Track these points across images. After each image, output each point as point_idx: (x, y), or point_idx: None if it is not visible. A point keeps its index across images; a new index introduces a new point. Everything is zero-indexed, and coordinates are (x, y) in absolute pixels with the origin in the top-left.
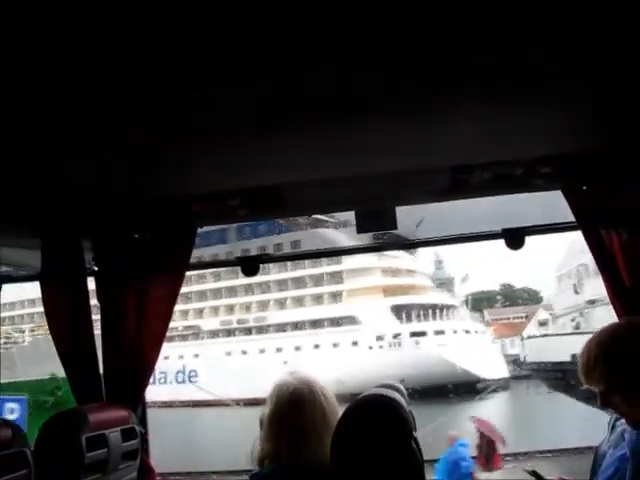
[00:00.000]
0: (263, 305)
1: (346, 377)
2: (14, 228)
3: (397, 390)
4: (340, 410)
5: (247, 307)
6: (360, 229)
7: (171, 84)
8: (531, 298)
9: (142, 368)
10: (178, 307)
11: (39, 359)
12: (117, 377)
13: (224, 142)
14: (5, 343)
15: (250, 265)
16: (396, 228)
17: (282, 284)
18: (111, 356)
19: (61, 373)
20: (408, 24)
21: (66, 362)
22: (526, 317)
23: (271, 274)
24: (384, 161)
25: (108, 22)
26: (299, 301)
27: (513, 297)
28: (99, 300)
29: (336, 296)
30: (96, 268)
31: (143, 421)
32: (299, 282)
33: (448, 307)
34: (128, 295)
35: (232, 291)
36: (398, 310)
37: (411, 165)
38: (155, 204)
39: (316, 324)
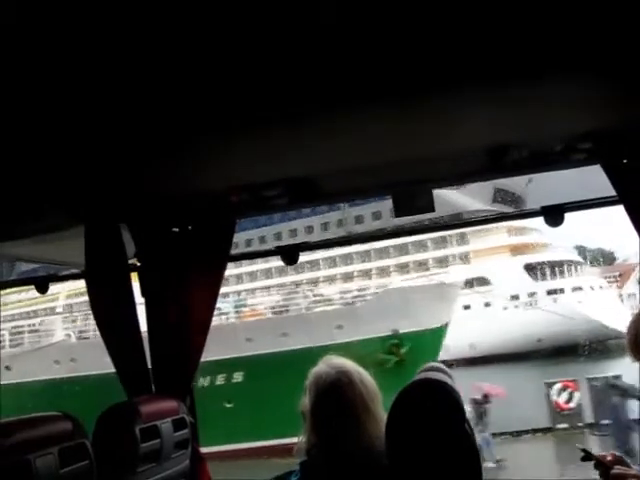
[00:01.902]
0: (384, 272)
1: (480, 340)
2: (58, 222)
3: (443, 372)
4: (379, 394)
5: (366, 273)
6: (398, 213)
7: (207, 75)
8: (606, 259)
9: (188, 359)
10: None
11: (383, 314)
12: (165, 369)
13: (260, 133)
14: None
15: (290, 254)
16: (433, 210)
17: (402, 249)
18: (158, 349)
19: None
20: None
21: (115, 356)
22: (620, 275)
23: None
24: (419, 145)
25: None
26: (422, 265)
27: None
28: (143, 295)
29: (462, 258)
30: (138, 263)
31: (192, 410)
32: (420, 246)
33: (578, 263)
34: (171, 288)
35: (348, 258)
36: (531, 268)
37: (446, 147)
38: (194, 197)
39: None
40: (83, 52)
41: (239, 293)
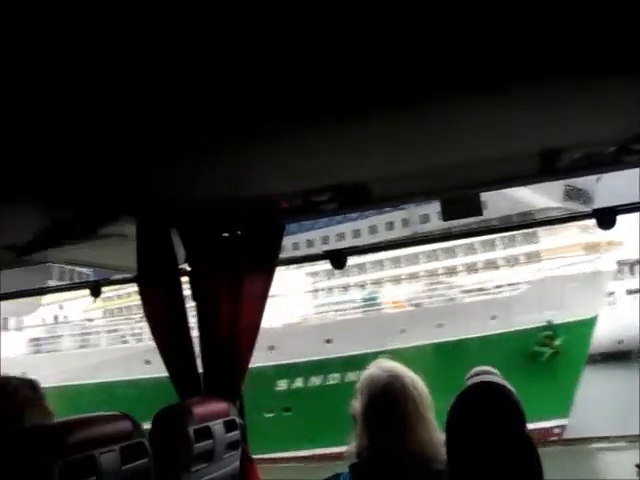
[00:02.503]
0: (450, 271)
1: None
2: (111, 227)
3: (496, 375)
4: (430, 399)
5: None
6: (446, 217)
7: (256, 79)
8: None
9: (238, 363)
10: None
11: (537, 304)
12: (216, 372)
13: (309, 138)
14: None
15: (338, 258)
16: (481, 214)
17: (469, 248)
18: (209, 352)
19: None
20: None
21: (167, 359)
22: None
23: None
24: (467, 149)
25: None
26: (491, 264)
27: None
28: (194, 299)
29: (532, 256)
30: (189, 268)
31: (241, 412)
32: (487, 244)
33: None
34: (222, 293)
35: (414, 258)
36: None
37: (496, 151)
38: (244, 203)
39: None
40: (97, 50)
41: (372, 283)
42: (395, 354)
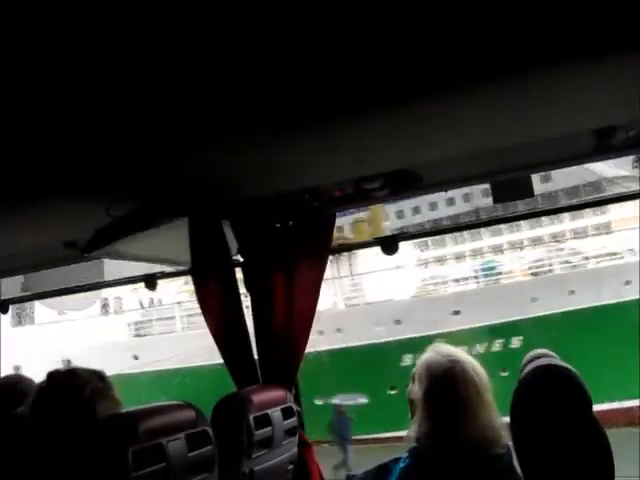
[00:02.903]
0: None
1: None
2: (163, 221)
3: (554, 358)
4: (490, 383)
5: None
6: (497, 199)
7: (301, 72)
8: None
9: (294, 351)
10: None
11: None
12: (271, 360)
13: (359, 127)
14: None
15: (389, 245)
16: (533, 196)
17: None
18: (265, 341)
19: None
20: None
21: (223, 349)
22: None
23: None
24: (517, 130)
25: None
26: (554, 237)
27: None
28: (248, 289)
29: (600, 228)
30: (242, 259)
31: (297, 399)
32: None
33: None
34: (276, 282)
35: (496, 230)
36: None
37: (549, 131)
38: (294, 193)
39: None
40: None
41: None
42: (538, 323)
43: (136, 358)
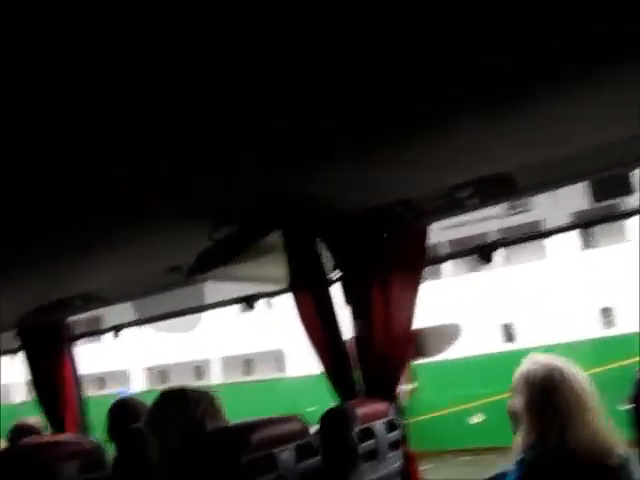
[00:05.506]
0: None
1: None
2: (260, 242)
3: None
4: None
5: None
6: (597, 198)
7: (392, 80)
8: None
9: (395, 363)
10: None
11: None
12: (373, 374)
13: (447, 135)
14: None
15: (486, 252)
16: (631, 192)
17: None
18: (366, 355)
19: None
20: None
21: (326, 364)
22: None
23: None
24: (611, 128)
25: None
26: None
27: None
28: (347, 303)
29: None
30: (338, 274)
31: (399, 412)
32: None
33: None
34: (373, 296)
35: None
36: None
37: None
38: (387, 206)
39: None
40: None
41: None
42: None
43: None
